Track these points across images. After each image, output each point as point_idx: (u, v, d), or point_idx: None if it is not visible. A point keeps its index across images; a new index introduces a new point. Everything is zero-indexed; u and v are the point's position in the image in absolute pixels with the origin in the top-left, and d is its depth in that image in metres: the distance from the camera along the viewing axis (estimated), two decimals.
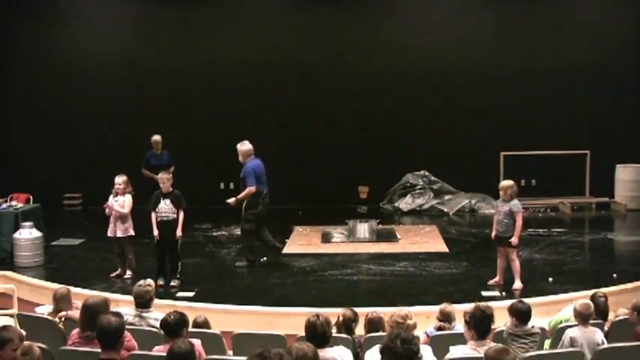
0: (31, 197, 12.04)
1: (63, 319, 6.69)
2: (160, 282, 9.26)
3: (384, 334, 5.63)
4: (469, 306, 5.67)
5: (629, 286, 8.97)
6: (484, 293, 8.84)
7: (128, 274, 9.87)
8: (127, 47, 15.77)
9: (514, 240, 8.93)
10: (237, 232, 13.17)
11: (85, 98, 15.72)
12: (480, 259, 10.73)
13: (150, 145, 13.16)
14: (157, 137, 13.08)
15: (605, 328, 6.41)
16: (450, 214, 14.96)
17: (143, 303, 6.47)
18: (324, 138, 15.65)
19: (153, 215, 9.46)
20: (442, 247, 11.75)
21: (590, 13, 15.45)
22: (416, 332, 5.73)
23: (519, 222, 8.95)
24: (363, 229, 12.42)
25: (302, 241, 12.35)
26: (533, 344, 5.66)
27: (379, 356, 4.36)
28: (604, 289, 8.39)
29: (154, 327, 6.20)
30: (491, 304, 5.83)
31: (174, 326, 5.47)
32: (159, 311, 6.50)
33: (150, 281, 6.75)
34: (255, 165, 10.62)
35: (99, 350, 4.95)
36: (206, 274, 10.29)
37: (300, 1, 16.07)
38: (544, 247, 11.51)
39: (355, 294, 9.20)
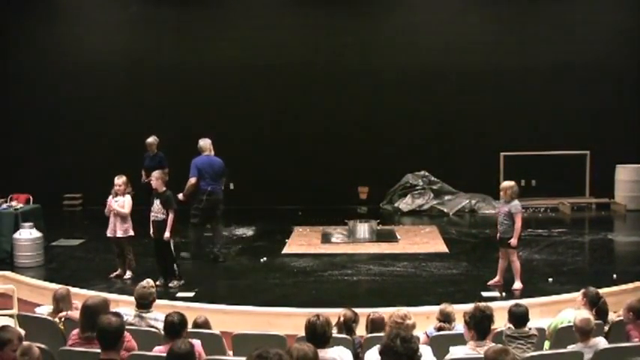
0: (31, 197, 12.05)
1: (63, 319, 6.69)
2: (158, 282, 9.23)
3: (383, 334, 5.63)
4: (469, 306, 5.66)
5: (629, 286, 8.97)
6: (484, 294, 8.83)
7: (128, 274, 9.86)
8: (127, 47, 15.78)
9: (513, 241, 8.93)
10: (237, 232, 13.27)
11: (85, 98, 15.72)
12: (480, 259, 10.73)
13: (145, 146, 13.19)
14: (150, 139, 13.07)
15: (605, 329, 6.41)
16: (450, 214, 14.96)
17: (145, 304, 6.47)
18: (323, 138, 15.66)
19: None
20: (442, 247, 11.75)
21: (590, 13, 15.46)
22: (416, 332, 5.73)
23: (518, 223, 8.93)
24: (363, 229, 12.43)
25: (302, 242, 12.34)
26: (530, 345, 5.65)
27: (379, 356, 4.36)
28: (604, 290, 8.40)
29: (153, 327, 6.20)
30: (491, 304, 5.83)
31: (175, 327, 5.48)
32: (159, 311, 6.50)
33: (151, 282, 6.75)
34: (201, 161, 10.75)
35: (99, 350, 4.95)
36: (206, 274, 10.29)
37: (301, 1, 16.07)
38: (544, 247, 11.50)
39: (355, 294, 9.20)
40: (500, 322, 6.26)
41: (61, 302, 6.84)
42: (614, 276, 9.52)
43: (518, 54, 15.44)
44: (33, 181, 14.21)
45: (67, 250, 11.81)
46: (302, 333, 5.29)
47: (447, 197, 15.38)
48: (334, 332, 5.70)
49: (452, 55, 15.45)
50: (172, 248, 9.42)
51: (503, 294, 8.93)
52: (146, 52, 15.81)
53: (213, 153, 10.97)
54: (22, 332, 4.97)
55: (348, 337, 6.00)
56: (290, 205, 15.43)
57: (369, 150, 15.65)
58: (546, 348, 6.18)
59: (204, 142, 10.98)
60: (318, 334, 5.01)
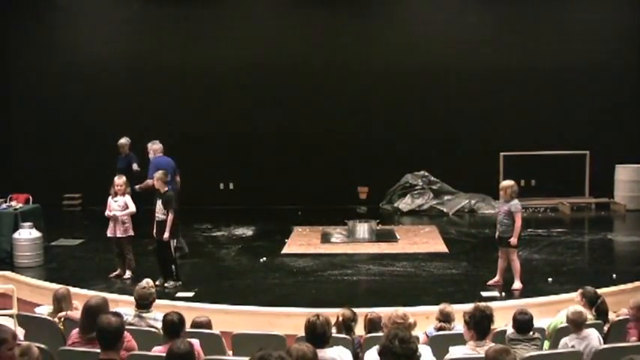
0: (30, 197, 12.04)
1: (62, 319, 6.69)
2: (157, 282, 9.22)
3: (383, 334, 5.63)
4: (469, 306, 5.67)
5: (629, 286, 8.97)
6: (484, 293, 8.84)
7: (127, 274, 9.87)
8: (127, 47, 15.77)
9: (513, 240, 8.94)
10: (237, 232, 13.26)
11: (85, 98, 15.72)
12: (480, 259, 10.72)
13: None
14: (122, 140, 12.71)
15: (605, 329, 6.41)
16: (450, 214, 14.96)
17: (144, 304, 6.48)
18: (323, 138, 15.65)
19: None
20: (442, 247, 11.75)
21: (590, 13, 15.46)
22: (415, 332, 5.73)
23: (518, 222, 8.94)
24: (362, 229, 12.43)
25: (302, 242, 12.34)
26: (534, 347, 5.65)
27: (378, 357, 4.36)
28: (604, 290, 8.41)
29: (153, 327, 6.20)
30: (490, 304, 5.83)
31: (174, 326, 5.48)
32: (159, 311, 6.50)
33: (150, 282, 6.75)
34: (163, 161, 11.11)
35: (98, 350, 4.95)
36: (206, 274, 10.29)
37: (301, 1, 16.07)
38: (544, 247, 11.50)
39: (355, 294, 9.21)
40: (500, 322, 6.27)
41: (60, 302, 6.84)
42: (614, 276, 9.52)
43: (519, 54, 15.44)
44: (33, 181, 14.21)
45: (67, 250, 11.82)
46: (302, 333, 5.29)
47: (446, 197, 15.38)
48: (333, 332, 5.71)
49: (452, 55, 15.44)
50: (172, 249, 9.41)
51: (503, 294, 8.94)
52: (146, 52, 15.80)
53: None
54: (22, 331, 4.96)
55: (347, 336, 6.00)
56: (290, 205, 15.44)
57: (369, 150, 15.65)
58: (546, 348, 6.18)
59: (160, 145, 11.42)
60: (318, 334, 5.01)
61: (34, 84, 15.89)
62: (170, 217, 9.26)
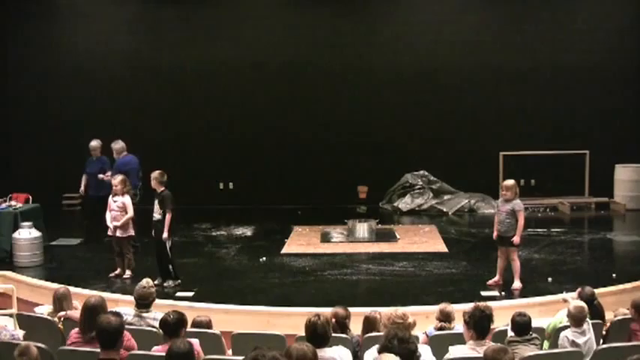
0: (30, 197, 12.04)
1: (62, 319, 6.70)
2: (156, 282, 9.21)
3: (382, 334, 5.63)
4: (468, 306, 5.67)
5: (629, 286, 8.97)
6: (483, 293, 8.84)
7: (127, 273, 9.87)
8: (126, 47, 15.77)
9: (516, 239, 8.94)
10: (237, 231, 13.27)
11: (85, 98, 15.72)
12: (479, 259, 10.72)
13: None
14: (93, 143, 12.28)
15: (604, 332, 6.42)
16: (449, 214, 14.96)
17: (144, 304, 6.48)
18: (323, 138, 15.66)
19: None
20: (441, 247, 11.75)
21: (590, 13, 15.46)
22: (415, 332, 5.74)
23: (521, 221, 8.96)
24: (362, 229, 12.43)
25: (301, 241, 12.34)
26: (533, 347, 5.66)
27: (378, 355, 4.37)
28: (603, 289, 8.43)
29: (153, 327, 6.20)
30: (490, 304, 5.85)
31: (174, 326, 5.47)
32: (159, 311, 6.50)
33: (150, 282, 6.74)
34: (126, 161, 11.61)
35: (98, 350, 4.95)
36: (205, 274, 10.29)
37: (301, 1, 16.07)
38: (543, 247, 11.51)
39: (354, 294, 9.22)
40: (500, 322, 6.27)
41: (60, 302, 6.85)
42: (614, 275, 9.52)
43: (519, 54, 15.43)
44: (33, 181, 14.21)
45: (67, 250, 11.81)
46: (301, 333, 5.28)
47: (446, 197, 15.38)
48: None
49: (452, 55, 15.44)
50: (168, 249, 9.41)
51: (503, 293, 8.94)
52: (146, 52, 15.80)
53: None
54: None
55: (346, 336, 6.00)
56: (289, 205, 15.44)
57: (369, 149, 15.65)
58: (545, 348, 6.19)
59: (123, 144, 11.80)
60: (319, 334, 5.01)
61: (34, 84, 15.88)
62: (168, 217, 9.24)
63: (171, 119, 15.57)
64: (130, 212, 9.81)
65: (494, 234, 9.24)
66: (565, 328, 6.01)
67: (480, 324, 5.34)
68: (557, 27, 15.46)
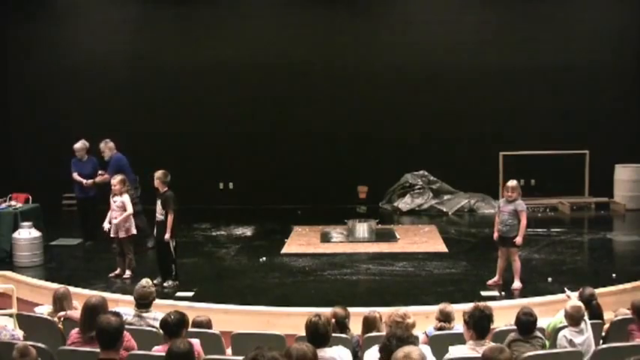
0: (30, 197, 12.04)
1: (62, 319, 6.70)
2: (155, 281, 9.21)
3: (383, 333, 5.64)
4: (468, 306, 5.67)
5: (629, 286, 8.97)
6: (483, 293, 8.84)
7: (127, 273, 9.87)
8: (127, 47, 15.77)
9: (518, 239, 8.94)
10: (237, 231, 13.27)
11: (85, 98, 15.72)
12: (479, 259, 10.72)
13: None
14: (78, 144, 12.18)
15: (603, 333, 6.42)
16: (449, 214, 14.96)
17: (144, 304, 6.48)
18: (323, 138, 15.65)
19: None
20: (441, 247, 11.75)
21: (590, 13, 15.46)
22: (415, 332, 5.74)
23: (524, 221, 8.97)
24: (362, 228, 12.43)
25: (301, 241, 12.35)
26: (537, 346, 5.66)
27: (378, 355, 4.37)
28: (603, 289, 8.43)
29: (153, 327, 6.21)
30: (490, 304, 5.84)
31: (174, 326, 5.47)
32: (159, 311, 6.50)
33: (150, 282, 6.75)
34: (120, 158, 11.73)
35: (98, 350, 4.95)
36: (205, 274, 10.29)
37: (301, 1, 16.06)
38: (543, 247, 11.51)
39: (354, 294, 9.21)
40: (500, 322, 6.27)
41: (60, 302, 6.84)
42: (614, 275, 9.52)
43: (518, 54, 15.43)
44: (33, 181, 14.20)
45: (67, 250, 11.82)
46: (301, 333, 5.29)
47: (446, 197, 15.38)
48: None
49: (451, 55, 15.44)
50: (172, 249, 9.41)
51: (503, 293, 8.94)
52: (146, 52, 15.80)
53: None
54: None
55: (346, 336, 6.00)
56: (289, 205, 15.44)
57: (369, 149, 15.65)
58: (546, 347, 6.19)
59: (113, 144, 11.93)
60: (320, 334, 5.01)
61: (34, 84, 15.89)
62: (170, 217, 9.25)
63: (171, 119, 15.56)
64: (130, 210, 9.81)
65: (495, 234, 9.23)
66: (564, 327, 6.01)
67: (479, 324, 5.34)
68: (557, 27, 15.46)
